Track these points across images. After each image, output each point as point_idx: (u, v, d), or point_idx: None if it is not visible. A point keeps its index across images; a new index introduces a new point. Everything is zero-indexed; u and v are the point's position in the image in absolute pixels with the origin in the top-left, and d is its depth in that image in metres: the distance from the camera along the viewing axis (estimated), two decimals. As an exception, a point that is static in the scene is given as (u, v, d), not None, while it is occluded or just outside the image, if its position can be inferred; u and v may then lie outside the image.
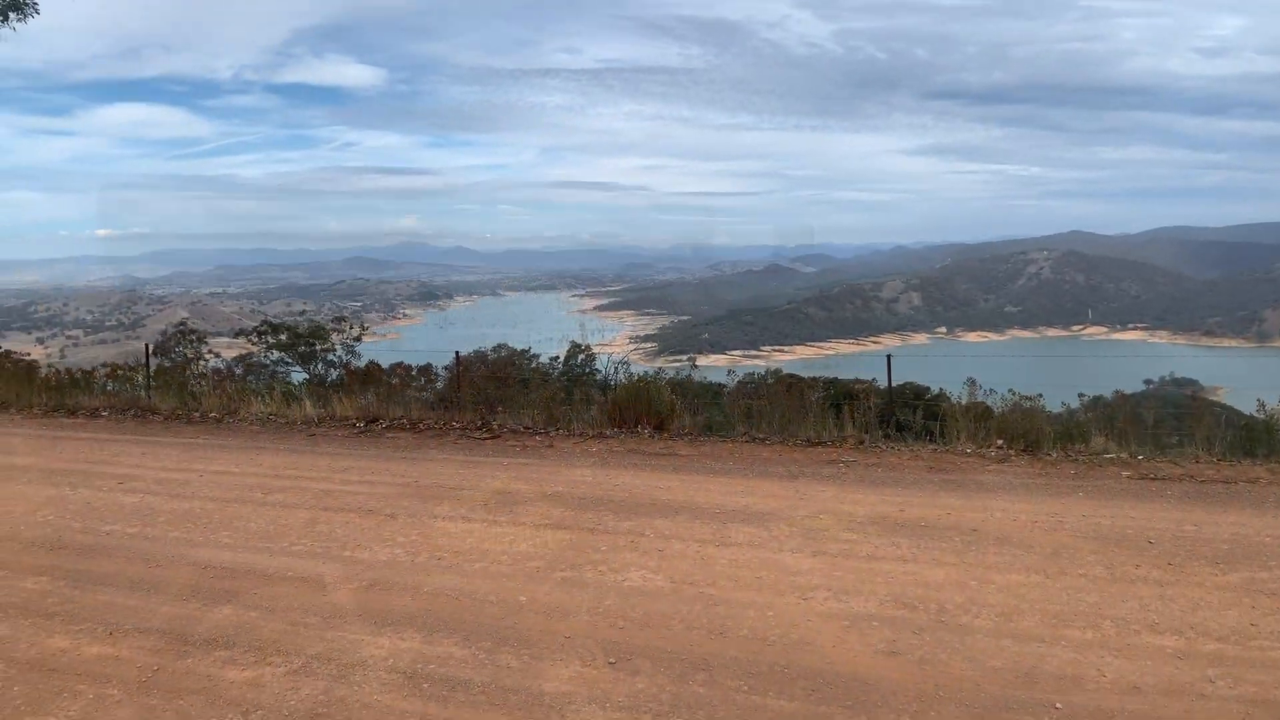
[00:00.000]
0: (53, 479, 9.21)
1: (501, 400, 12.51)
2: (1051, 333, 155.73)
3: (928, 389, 14.89)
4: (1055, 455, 9.17)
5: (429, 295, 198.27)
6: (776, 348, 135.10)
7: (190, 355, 21.02)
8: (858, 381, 14.23)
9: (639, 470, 9.01)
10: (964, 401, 10.76)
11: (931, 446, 9.79)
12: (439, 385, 14.22)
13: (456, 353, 14.35)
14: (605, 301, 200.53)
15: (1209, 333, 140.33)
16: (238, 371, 19.17)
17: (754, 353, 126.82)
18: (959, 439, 9.93)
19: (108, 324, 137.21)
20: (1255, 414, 10.64)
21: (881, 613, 5.13)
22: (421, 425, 11.83)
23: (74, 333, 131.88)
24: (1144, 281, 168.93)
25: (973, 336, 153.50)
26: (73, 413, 14.07)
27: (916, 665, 4.45)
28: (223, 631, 5.14)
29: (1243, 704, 4.02)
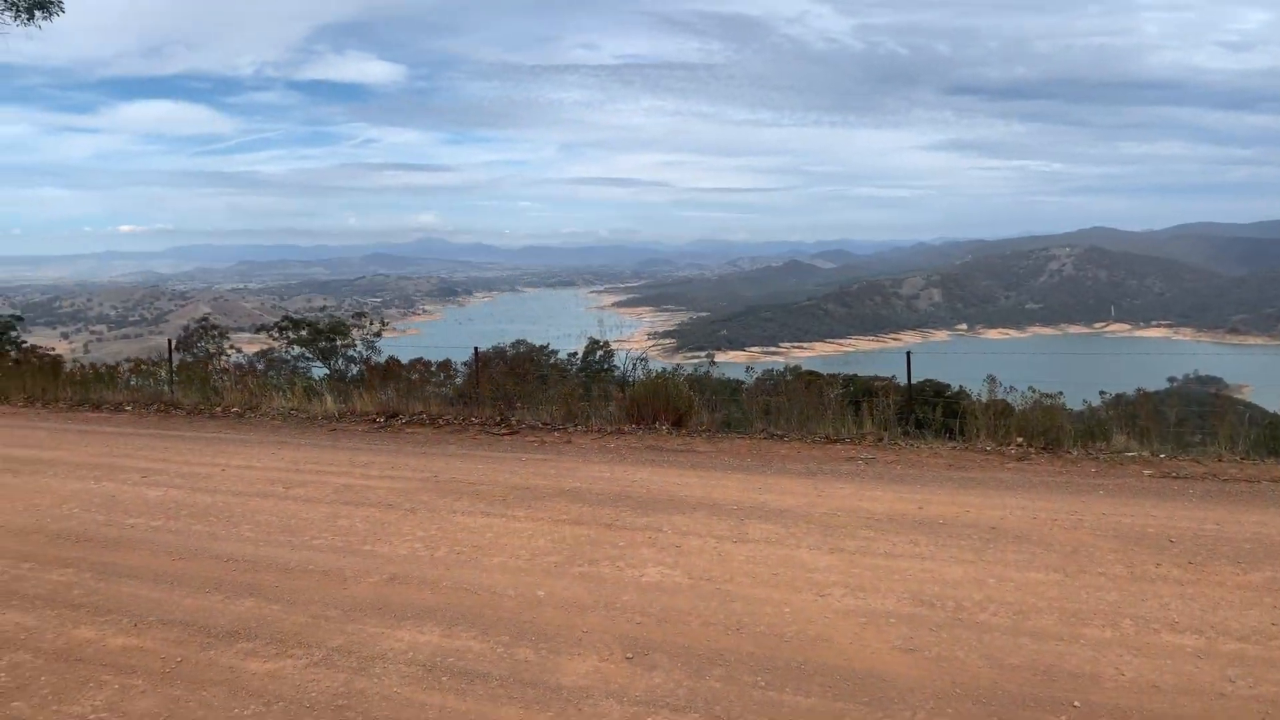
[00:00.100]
0: (78, 472, 9.33)
1: (520, 396, 12.56)
2: (1074, 330, 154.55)
3: (948, 386, 14.83)
4: (1076, 453, 9.12)
5: (448, 291, 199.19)
6: (796, 344, 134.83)
7: (212, 350, 21.22)
8: (877, 378, 14.20)
9: (657, 467, 9.03)
10: (984, 399, 10.72)
11: (951, 444, 9.75)
12: (458, 381, 14.29)
13: (475, 349, 14.41)
14: (624, 298, 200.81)
15: (1234, 330, 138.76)
16: (259, 367, 19.33)
17: (773, 349, 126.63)
18: (979, 436, 9.89)
19: (131, 319, 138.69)
20: None
21: (899, 610, 5.12)
22: (441, 421, 11.90)
23: (98, 328, 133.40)
24: (1168, 278, 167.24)
25: (994, 333, 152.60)
26: (97, 407, 14.24)
27: (933, 662, 4.45)
28: (245, 624, 5.20)
29: (1263, 704, 3.99)
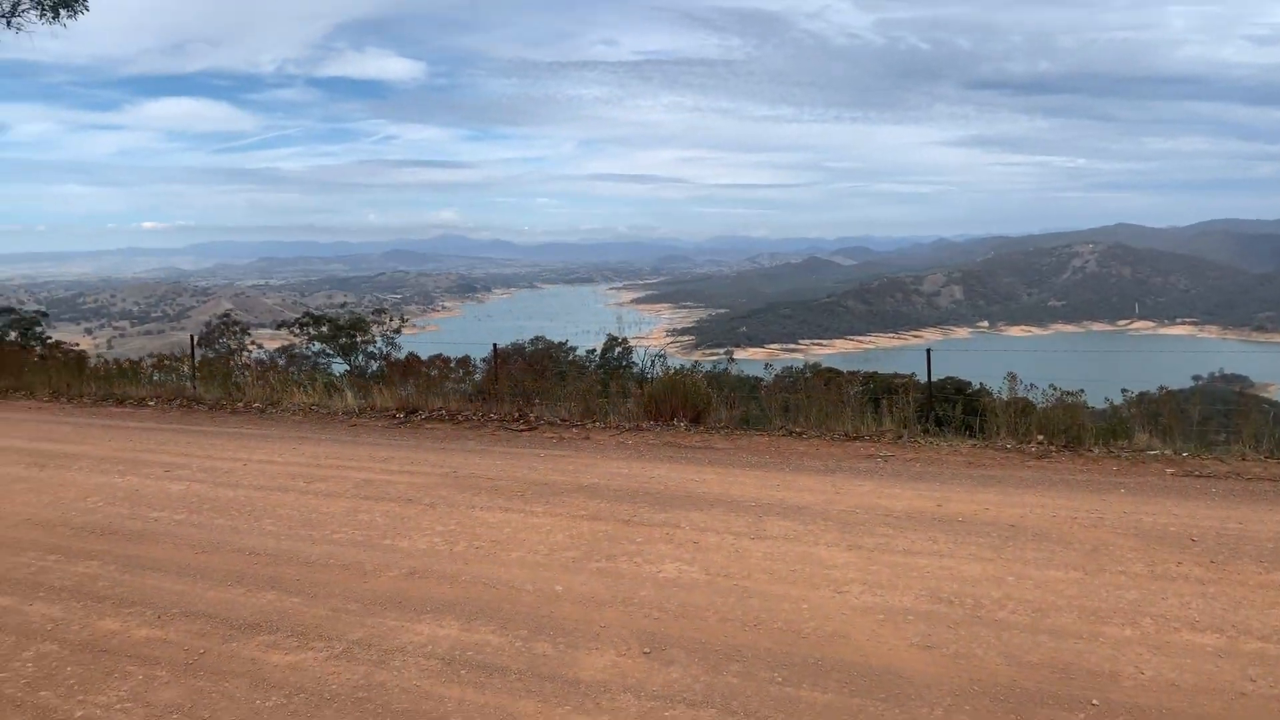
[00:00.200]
0: (102, 467, 9.44)
1: (538, 393, 12.60)
2: (1096, 327, 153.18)
3: (969, 384, 14.75)
4: (1097, 451, 9.05)
5: (467, 288, 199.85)
6: (815, 341, 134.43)
7: (234, 346, 21.42)
8: (897, 376, 14.14)
9: (675, 463, 9.04)
10: (1004, 397, 10.66)
11: (971, 442, 9.71)
12: (477, 377, 14.34)
13: (494, 345, 14.46)
14: (642, 294, 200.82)
15: (1260, 328, 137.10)
16: (280, 362, 19.50)
17: (792, 346, 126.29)
18: (999, 434, 9.84)
19: (153, 315, 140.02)
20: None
21: (917, 607, 5.11)
22: (460, 417, 11.95)
23: (121, 324, 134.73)
24: (1193, 275, 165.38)
25: (1015, 331, 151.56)
26: (121, 402, 14.39)
27: (951, 659, 4.44)
28: (266, 617, 5.25)
29: (1285, 704, 3.96)
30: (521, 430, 11.08)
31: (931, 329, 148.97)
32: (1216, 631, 4.68)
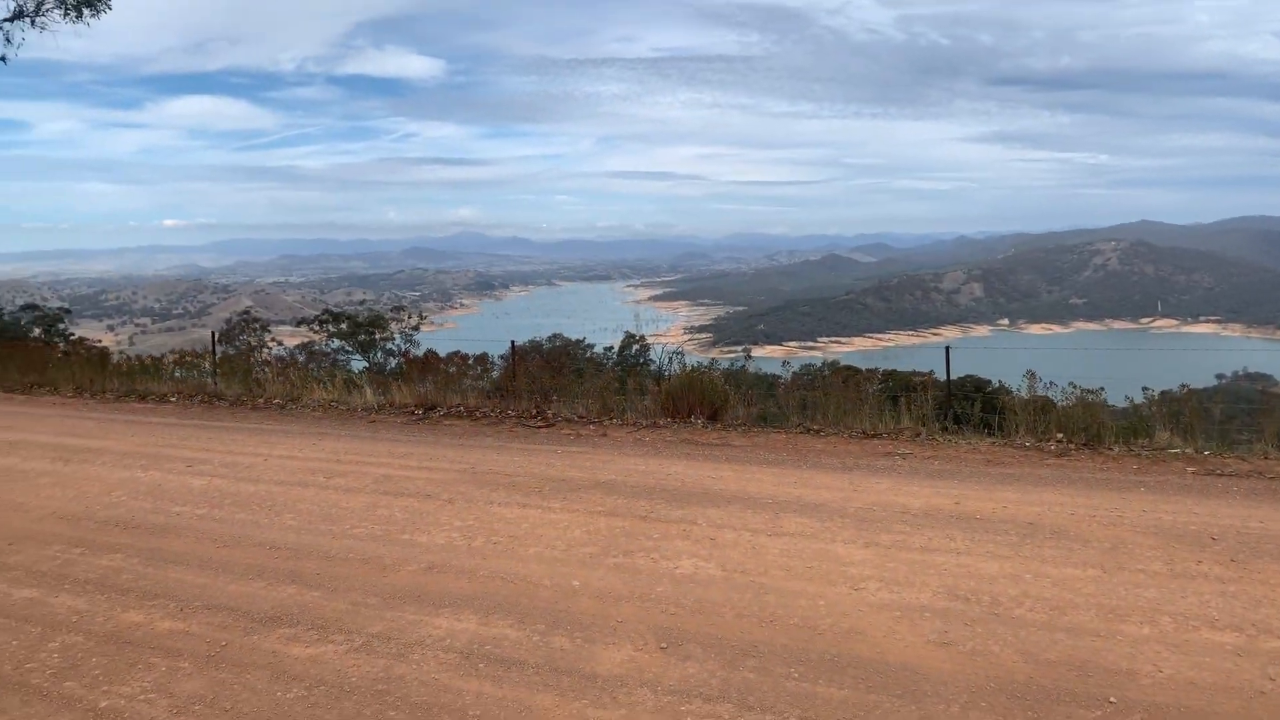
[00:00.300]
0: (125, 461, 9.55)
1: (556, 389, 12.64)
2: (1119, 325, 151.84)
3: (988, 382, 14.67)
4: (1117, 450, 9.00)
5: (485, 285, 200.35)
6: (834, 339, 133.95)
7: (254, 343, 21.60)
8: (916, 374, 14.09)
9: (692, 460, 9.06)
10: (1024, 395, 10.60)
11: (990, 440, 9.67)
12: (495, 374, 14.40)
13: (512, 342, 14.51)
14: (660, 292, 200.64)
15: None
16: (300, 359, 19.63)
17: (810, 344, 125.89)
18: (1018, 432, 9.80)
19: (174, 312, 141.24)
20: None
21: (934, 604, 5.11)
22: (478, 413, 12.01)
23: (142, 320, 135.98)
24: (1217, 273, 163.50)
25: (1036, 329, 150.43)
26: (143, 398, 14.54)
27: (968, 656, 4.44)
28: (287, 610, 5.31)
29: (1305, 703, 3.94)
30: (539, 427, 11.12)
31: (951, 327, 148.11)
32: (1236, 630, 4.66)
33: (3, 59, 20.83)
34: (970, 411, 10.70)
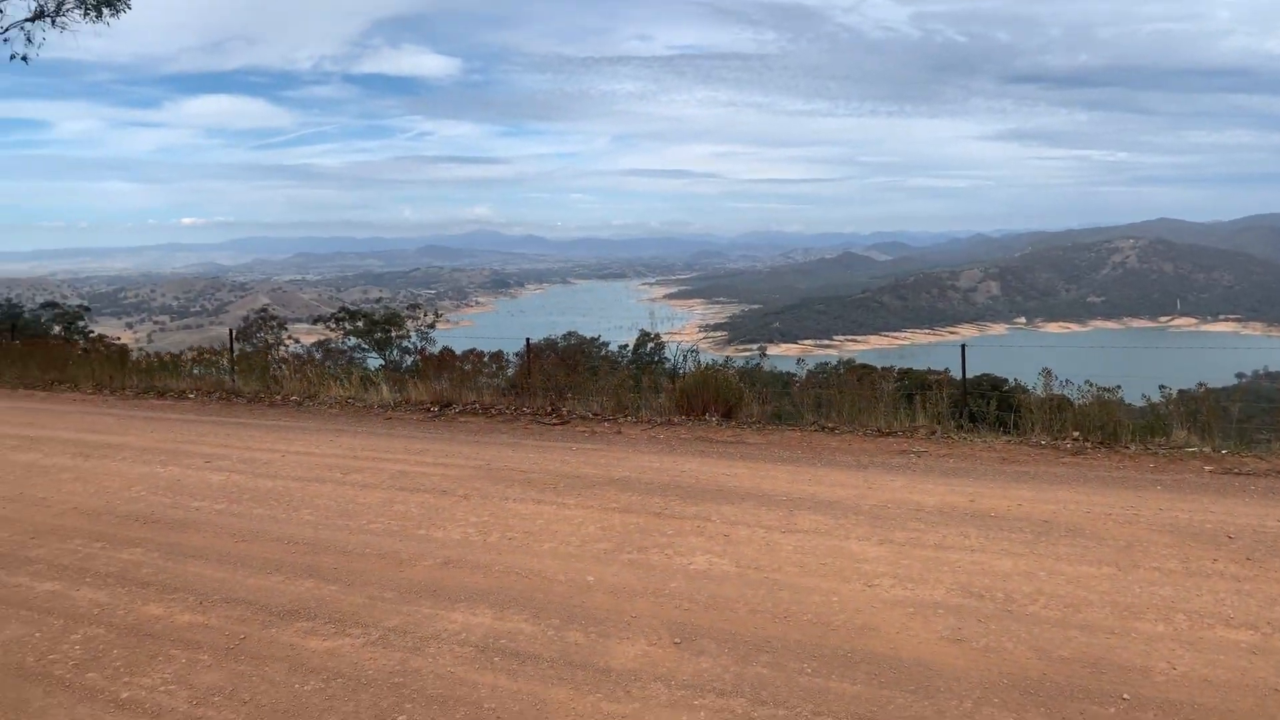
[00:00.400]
0: (144, 457, 9.65)
1: (571, 387, 12.68)
2: (1137, 324, 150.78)
3: (1005, 381, 14.62)
4: (1134, 448, 8.95)
5: (501, 283, 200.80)
6: (849, 337, 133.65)
7: (271, 340, 21.77)
8: (931, 372, 14.06)
9: (706, 457, 9.08)
10: (1039, 393, 10.56)
11: (1005, 438, 9.65)
12: (510, 372, 14.46)
13: (527, 340, 14.56)
14: (675, 290, 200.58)
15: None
16: (317, 356, 19.76)
17: (826, 342, 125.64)
18: (1034, 430, 9.77)
19: (192, 310, 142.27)
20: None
21: (947, 601, 5.11)
22: (493, 410, 12.06)
23: (161, 318, 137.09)
24: (1237, 271, 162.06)
25: (1053, 327, 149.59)
26: (162, 394, 14.68)
27: (981, 653, 4.44)
28: (304, 604, 5.36)
29: (1321, 701, 3.93)
30: (554, 424, 11.16)
31: (968, 325, 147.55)
32: (1251, 628, 4.64)
33: (24, 59, 21.05)
34: (986, 410, 10.68)
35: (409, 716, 4.02)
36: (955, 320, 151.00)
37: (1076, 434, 9.46)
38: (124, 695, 4.31)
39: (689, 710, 3.99)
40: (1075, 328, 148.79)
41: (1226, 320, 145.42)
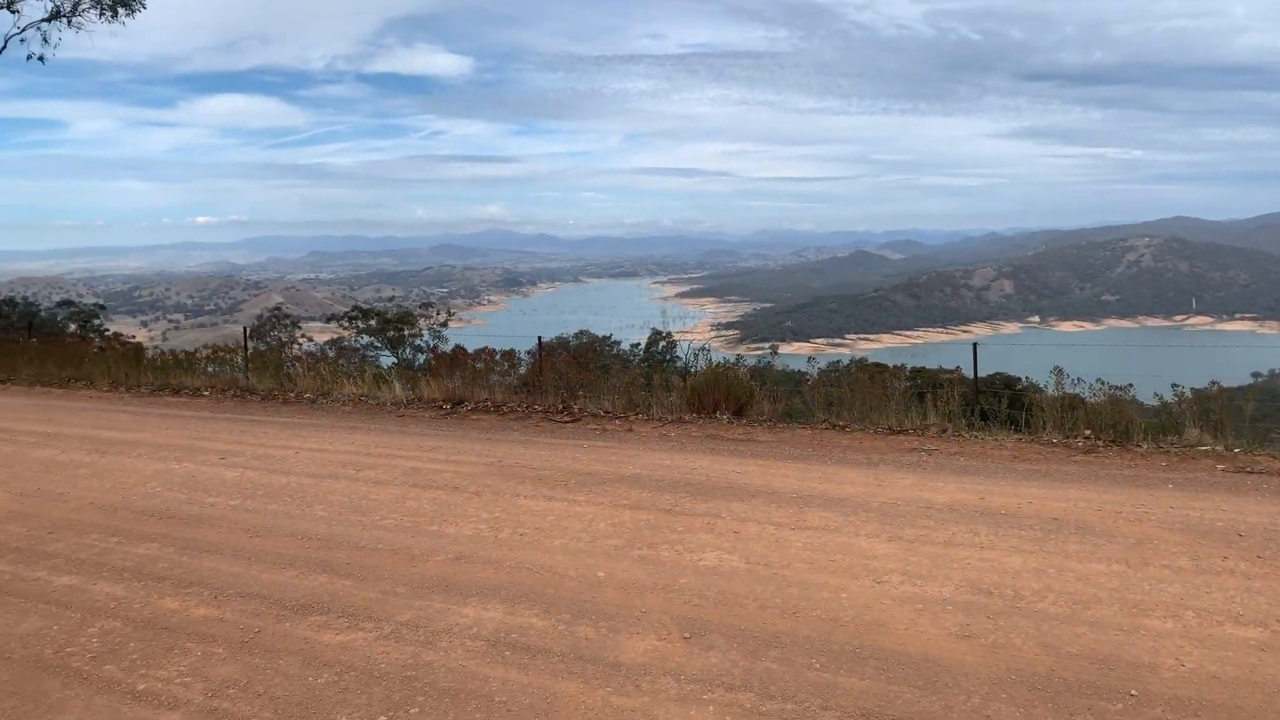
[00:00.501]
0: (159, 453, 9.74)
1: (582, 385, 12.72)
2: (1152, 323, 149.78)
3: (1018, 379, 14.59)
4: (1146, 447, 8.94)
5: (513, 282, 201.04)
6: (862, 336, 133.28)
7: (285, 339, 21.91)
8: (943, 370, 14.06)
9: (717, 455, 9.10)
10: (1051, 392, 10.54)
11: (1016, 436, 9.64)
12: (522, 370, 14.52)
13: (539, 338, 14.62)
14: (687, 288, 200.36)
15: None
16: (330, 354, 19.86)
17: (838, 341, 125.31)
18: (1045, 429, 9.75)
19: (207, 308, 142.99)
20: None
21: (956, 597, 5.13)
22: (505, 408, 12.12)
23: (175, 316, 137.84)
24: (1254, 269, 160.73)
25: (1067, 326, 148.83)
26: (176, 392, 14.80)
27: (989, 649, 4.46)
28: (318, 598, 5.41)
29: (1330, 699, 3.93)
30: (565, 422, 11.21)
31: (981, 324, 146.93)
32: (1260, 625, 4.64)
33: (41, 59, 21.23)
34: (997, 408, 10.67)
35: (421, 709, 4.07)
36: (968, 319, 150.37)
37: (1088, 432, 9.45)
38: (140, 687, 4.37)
39: (698, 704, 4.03)
40: (1089, 326, 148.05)
41: (1242, 319, 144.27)
